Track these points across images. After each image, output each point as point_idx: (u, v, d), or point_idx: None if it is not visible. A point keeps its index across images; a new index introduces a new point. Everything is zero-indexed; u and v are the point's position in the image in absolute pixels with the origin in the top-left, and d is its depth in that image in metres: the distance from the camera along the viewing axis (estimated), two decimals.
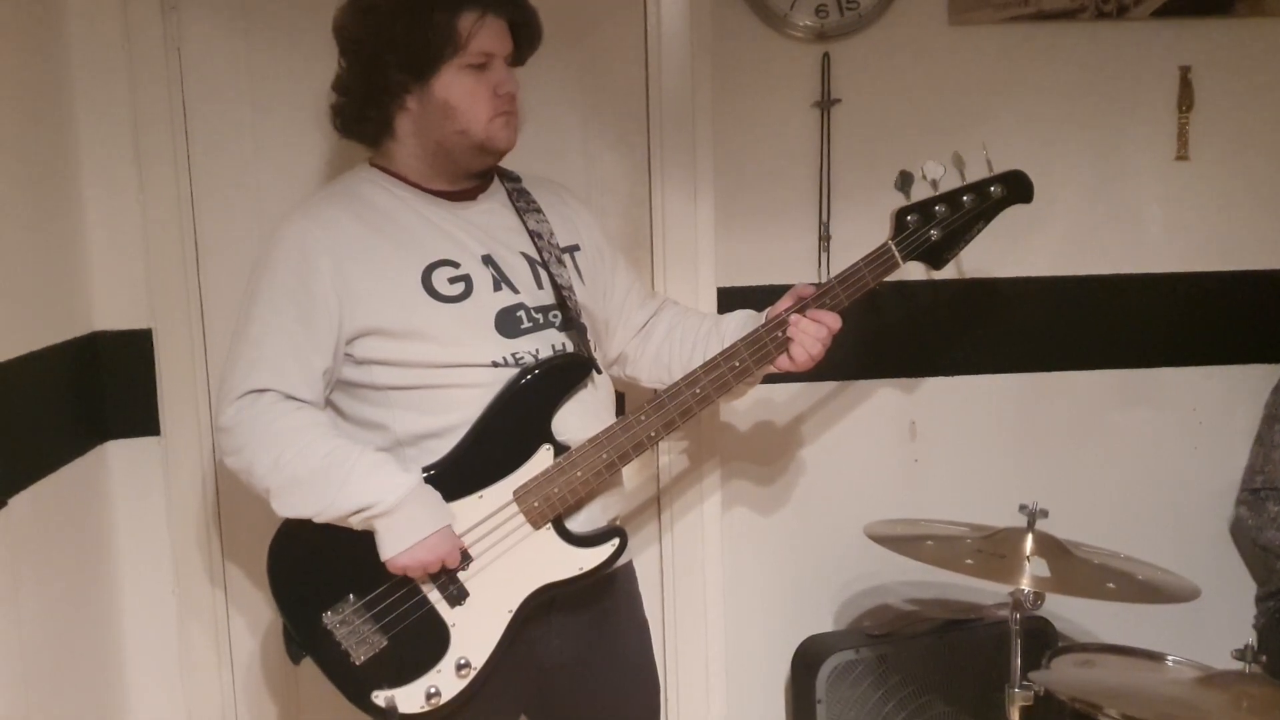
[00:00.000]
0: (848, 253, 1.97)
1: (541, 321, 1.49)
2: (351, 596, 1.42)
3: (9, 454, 1.51)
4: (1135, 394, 2.12)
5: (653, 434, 1.47)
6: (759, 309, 1.62)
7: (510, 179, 1.59)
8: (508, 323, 1.46)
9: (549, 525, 1.46)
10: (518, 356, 1.45)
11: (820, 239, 2.03)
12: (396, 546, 1.37)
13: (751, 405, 2.05)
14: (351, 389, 1.47)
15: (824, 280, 1.97)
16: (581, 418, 1.48)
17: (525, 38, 1.48)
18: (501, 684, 1.46)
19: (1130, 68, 2.05)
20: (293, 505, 1.38)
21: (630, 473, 1.56)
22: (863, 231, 1.95)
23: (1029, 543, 1.57)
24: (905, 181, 1.59)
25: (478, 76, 1.43)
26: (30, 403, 1.60)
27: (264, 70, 1.88)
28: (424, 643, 1.43)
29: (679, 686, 2.08)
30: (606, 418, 1.51)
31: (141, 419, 1.90)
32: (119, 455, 1.91)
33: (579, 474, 1.44)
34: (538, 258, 1.52)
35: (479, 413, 1.43)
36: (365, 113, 1.47)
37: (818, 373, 1.55)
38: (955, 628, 1.98)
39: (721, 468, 2.06)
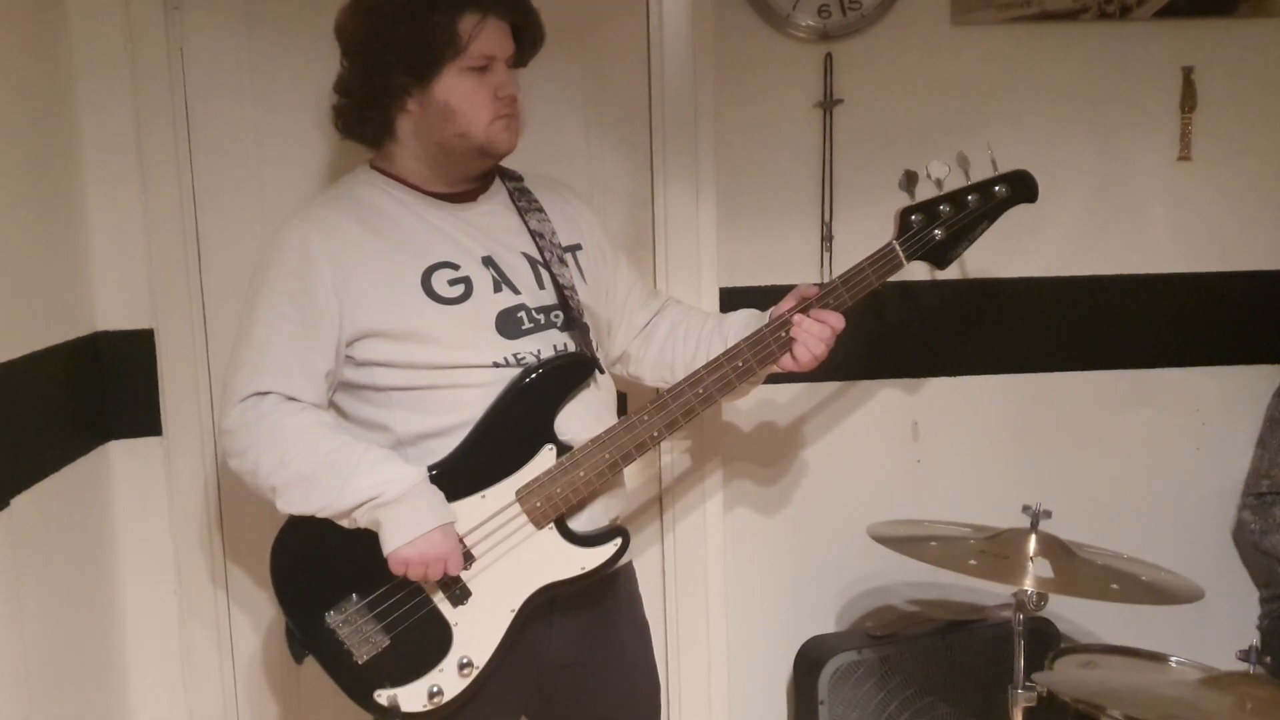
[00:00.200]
0: (850, 253, 1.97)
1: (543, 322, 1.49)
2: (354, 596, 1.42)
3: (11, 454, 1.51)
4: (1138, 395, 2.12)
5: (655, 434, 1.47)
6: (761, 309, 1.62)
7: (512, 178, 1.59)
8: (509, 324, 1.46)
9: (551, 525, 1.46)
10: (519, 357, 1.45)
11: (822, 239, 2.03)
12: (400, 538, 1.37)
13: (754, 405, 2.05)
14: (353, 390, 1.47)
15: (826, 280, 1.99)
16: (584, 418, 1.47)
17: (527, 40, 1.48)
18: (503, 683, 1.46)
19: (1133, 68, 2.05)
20: (298, 502, 1.38)
21: (632, 473, 1.56)
22: (865, 232, 1.96)
23: (1032, 543, 1.57)
24: (910, 181, 1.59)
25: (478, 79, 1.43)
26: (32, 403, 1.60)
27: (266, 70, 1.88)
28: (426, 642, 1.43)
29: (681, 687, 2.08)
30: (609, 418, 1.51)
31: (143, 419, 1.90)
32: (121, 455, 1.91)
33: (581, 474, 1.44)
34: (539, 258, 1.52)
35: (481, 413, 1.43)
36: (366, 114, 1.47)
37: (820, 373, 1.55)
38: (958, 629, 1.98)
39: (724, 468, 2.06)
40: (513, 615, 1.44)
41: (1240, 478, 2.14)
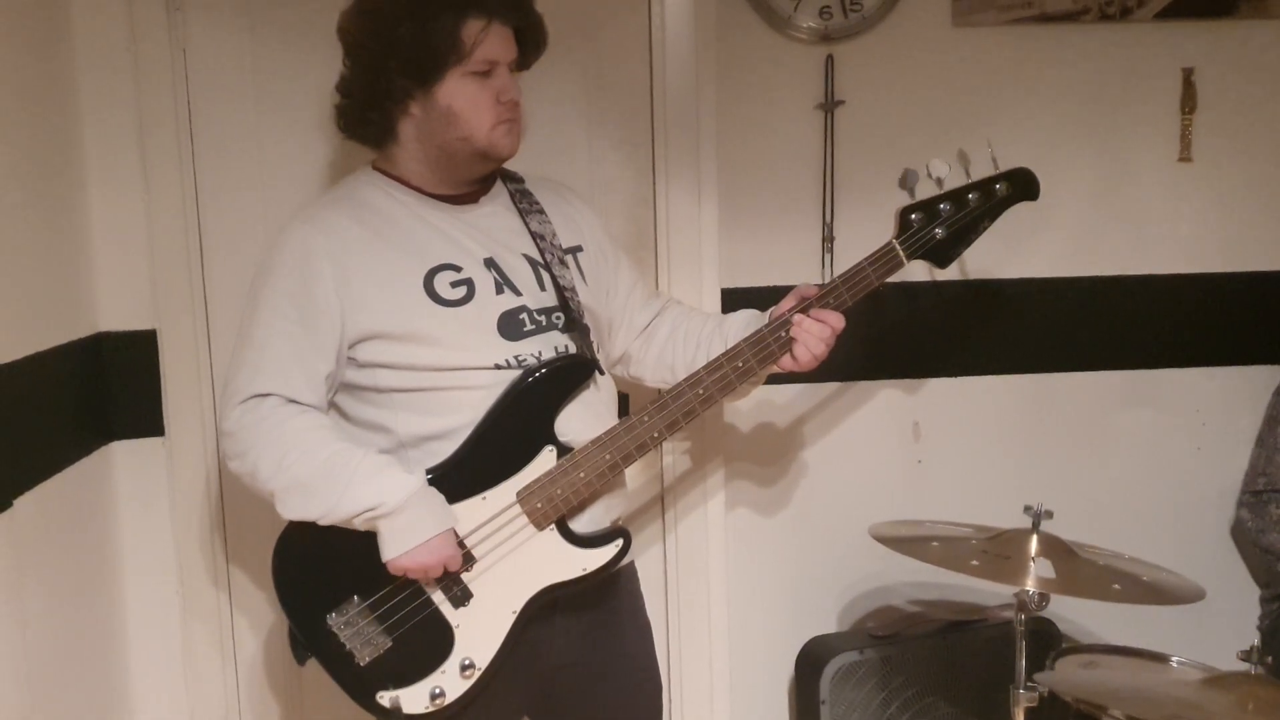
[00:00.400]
0: (851, 254, 1.96)
1: (544, 323, 1.49)
2: (356, 598, 1.42)
3: (14, 455, 1.51)
4: (1138, 395, 2.12)
5: (656, 434, 1.47)
6: (763, 309, 1.62)
7: (513, 180, 1.60)
8: (510, 325, 1.46)
9: (552, 526, 1.46)
10: (520, 359, 1.45)
11: (824, 240, 2.03)
12: (399, 548, 1.37)
13: (755, 406, 2.05)
14: (355, 391, 1.47)
15: (827, 281, 1.99)
16: (584, 419, 1.48)
17: (530, 44, 1.48)
18: (505, 685, 1.46)
19: (1133, 69, 2.05)
20: (297, 508, 1.39)
21: (633, 473, 1.56)
22: (866, 232, 1.95)
23: (1034, 544, 1.57)
24: (910, 180, 1.59)
25: (481, 83, 1.43)
26: (35, 404, 1.60)
27: (269, 70, 1.89)
28: (428, 644, 1.43)
29: (682, 687, 2.08)
30: (609, 418, 1.51)
31: (146, 420, 1.90)
32: (123, 456, 1.91)
33: (582, 475, 1.44)
34: (540, 259, 1.52)
35: (482, 414, 1.43)
36: (368, 116, 1.47)
37: (821, 373, 1.55)
38: (959, 629, 1.98)
39: (725, 468, 2.06)
40: (514, 617, 1.44)
41: (1240, 478, 2.14)
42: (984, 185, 1.55)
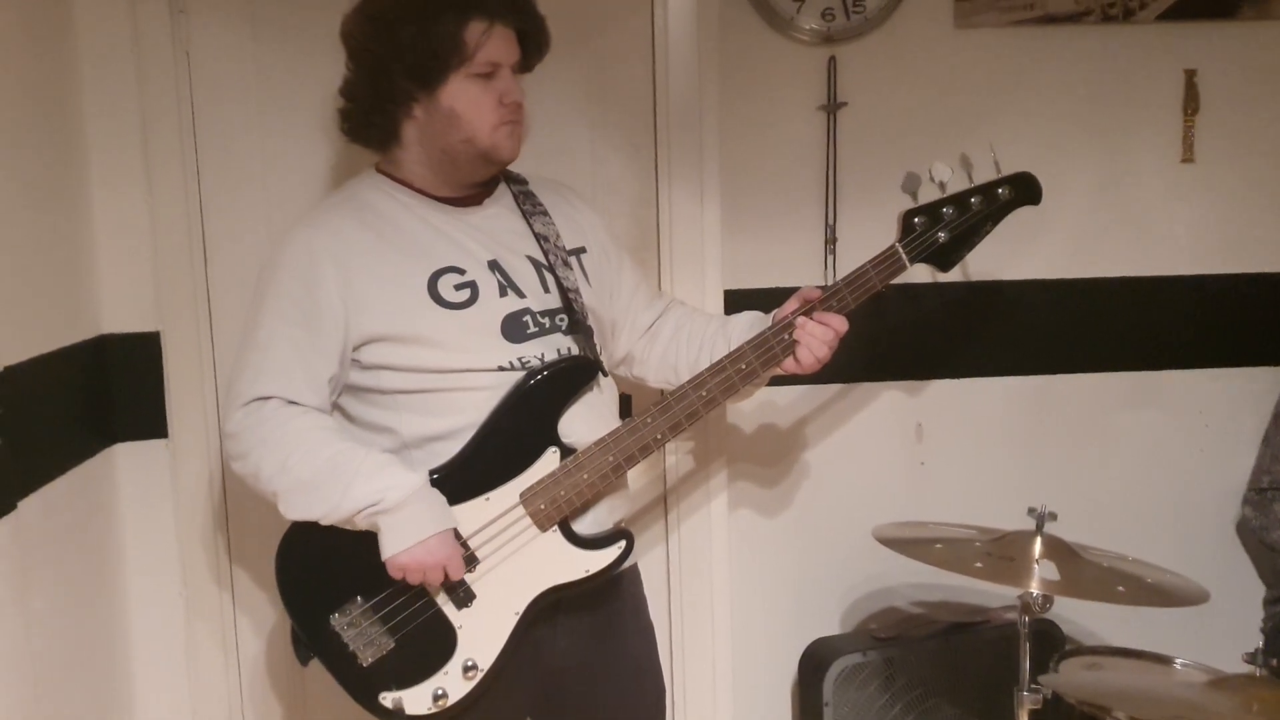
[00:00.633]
0: (853, 255, 1.97)
1: (548, 325, 1.49)
2: (359, 598, 1.43)
3: (18, 457, 1.51)
4: (1141, 397, 2.12)
5: (659, 436, 1.48)
6: (765, 311, 1.62)
7: (517, 182, 1.60)
8: (514, 328, 1.46)
9: (555, 528, 1.46)
10: (524, 361, 1.45)
11: (826, 241, 2.03)
12: (398, 545, 1.37)
13: (758, 407, 2.05)
14: (359, 393, 1.48)
15: (830, 282, 1.99)
16: (588, 420, 1.48)
17: (533, 46, 1.48)
18: (508, 686, 1.47)
19: (1136, 71, 2.05)
20: (300, 508, 1.39)
21: (636, 474, 1.57)
22: (868, 234, 1.96)
23: (1038, 546, 1.57)
24: (913, 183, 1.59)
25: (484, 85, 1.43)
26: (39, 406, 1.61)
27: (272, 73, 1.89)
28: (431, 645, 1.43)
29: (685, 689, 2.08)
30: (613, 420, 1.52)
31: (149, 422, 1.91)
32: (127, 458, 1.91)
33: (585, 476, 1.45)
34: (544, 261, 1.53)
35: (486, 416, 1.44)
36: (371, 119, 1.47)
37: (824, 375, 1.55)
38: (962, 630, 1.98)
39: (728, 469, 2.06)
40: (517, 618, 1.44)
41: (1244, 479, 2.13)
42: (987, 189, 1.55)
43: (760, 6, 1.96)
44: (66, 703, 1.65)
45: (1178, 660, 1.64)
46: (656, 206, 2.00)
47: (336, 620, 1.42)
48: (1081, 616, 2.10)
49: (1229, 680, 1.52)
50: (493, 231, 1.51)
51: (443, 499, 1.41)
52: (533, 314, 1.48)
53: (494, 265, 1.48)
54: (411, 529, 1.37)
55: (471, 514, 1.43)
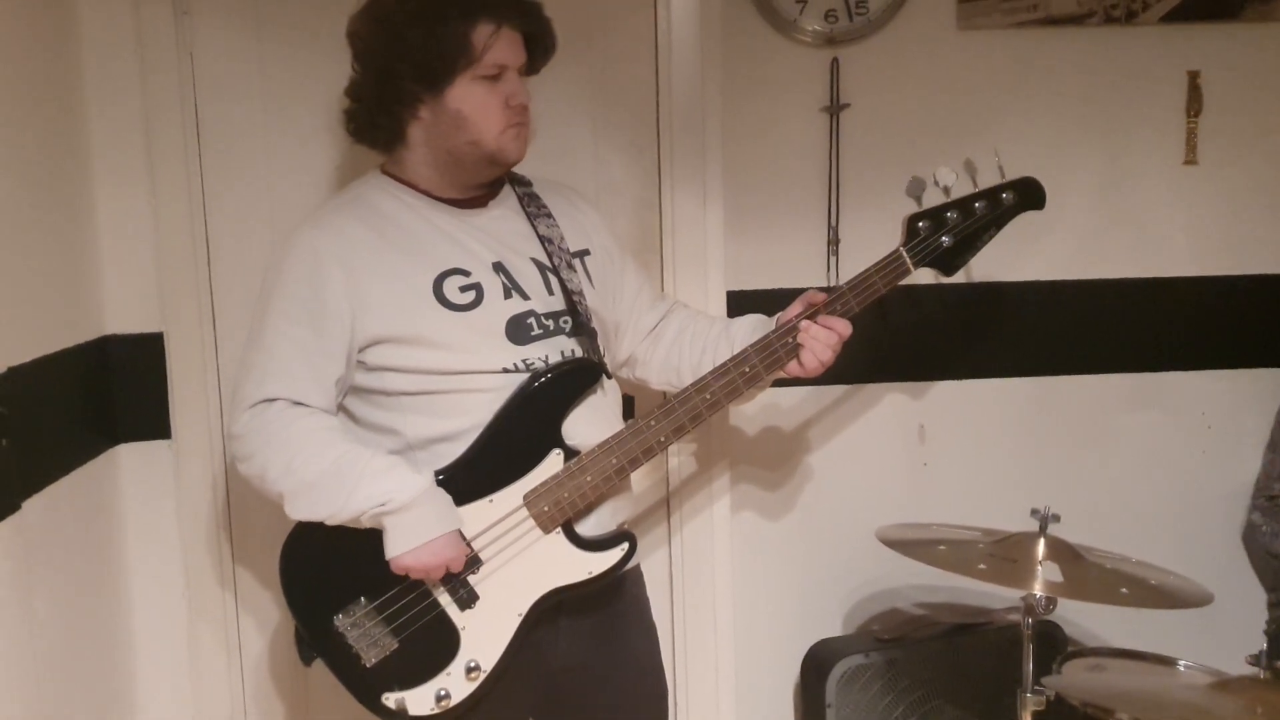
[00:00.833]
0: (856, 257, 1.98)
1: (552, 327, 1.49)
2: (363, 599, 1.43)
3: (22, 457, 1.52)
4: (1144, 398, 2.12)
5: (662, 439, 1.48)
6: (768, 312, 1.62)
7: (521, 184, 1.60)
8: (518, 329, 1.46)
9: (559, 529, 1.46)
10: (528, 362, 1.46)
11: (829, 243, 2.03)
12: (403, 546, 1.37)
13: (761, 409, 2.05)
14: (363, 394, 1.48)
15: (833, 285, 1.99)
16: (591, 422, 1.48)
17: (539, 49, 1.49)
18: (510, 687, 1.47)
19: (1139, 72, 2.05)
20: (306, 509, 1.39)
21: (639, 476, 1.57)
22: (871, 236, 1.96)
23: (1041, 547, 1.57)
24: (917, 188, 1.59)
25: (490, 87, 1.43)
26: (43, 406, 1.61)
27: (276, 74, 1.89)
28: (434, 645, 1.43)
29: (688, 690, 2.08)
30: (616, 422, 1.52)
31: (152, 422, 1.91)
32: (130, 458, 1.91)
33: (588, 478, 1.45)
34: (548, 263, 1.53)
35: (490, 418, 1.44)
36: (377, 120, 1.47)
37: (827, 377, 1.55)
38: (965, 632, 1.98)
39: (730, 471, 2.06)
40: (520, 619, 1.45)
41: (1247, 481, 2.14)
42: (990, 194, 1.56)
43: (763, 8, 1.96)
44: (69, 702, 1.66)
45: (1181, 662, 1.64)
46: (659, 208, 2.00)
47: (340, 621, 1.43)
48: (1084, 618, 2.10)
49: (1233, 682, 1.52)
50: (497, 233, 1.51)
51: (449, 500, 1.42)
52: (537, 316, 1.48)
53: (498, 267, 1.48)
54: (418, 530, 1.37)
55: (475, 515, 1.43)
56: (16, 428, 1.49)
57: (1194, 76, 2.06)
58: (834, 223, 2.03)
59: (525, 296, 1.48)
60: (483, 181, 1.52)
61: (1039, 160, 1.74)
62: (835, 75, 1.99)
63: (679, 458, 2.05)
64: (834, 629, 2.11)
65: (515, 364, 1.45)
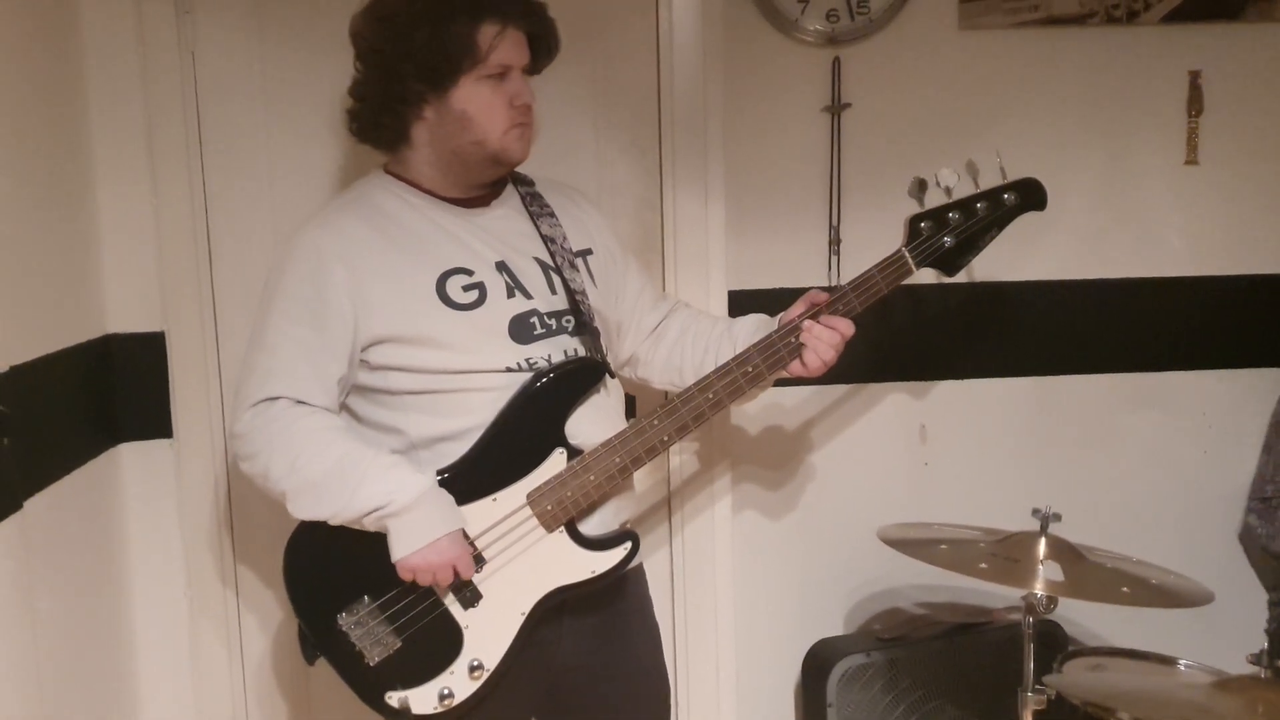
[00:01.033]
0: (857, 256, 1.98)
1: (555, 327, 1.49)
2: (366, 598, 1.43)
3: (24, 456, 1.52)
4: (1145, 398, 2.13)
5: (665, 438, 1.48)
6: (769, 312, 1.63)
7: (524, 183, 1.60)
8: (521, 328, 1.46)
9: (562, 528, 1.46)
10: (531, 362, 1.46)
11: (830, 243, 2.03)
12: (408, 547, 1.37)
13: (762, 409, 2.05)
14: (367, 393, 1.48)
15: (834, 284, 1.99)
16: (594, 421, 1.48)
17: (543, 49, 1.49)
18: (513, 686, 1.47)
19: (1140, 72, 2.05)
20: (309, 508, 1.39)
21: (641, 475, 1.57)
22: (872, 235, 1.96)
23: (1042, 546, 1.57)
24: (919, 188, 1.60)
25: (495, 87, 1.43)
26: (44, 405, 1.61)
27: (277, 73, 1.89)
28: (437, 644, 1.44)
29: (689, 689, 2.08)
30: (619, 421, 1.52)
31: (154, 421, 1.91)
32: (132, 457, 1.91)
33: (592, 477, 1.45)
34: (551, 263, 1.53)
35: (493, 417, 1.44)
36: (381, 119, 1.47)
37: (828, 376, 1.55)
38: (966, 631, 1.98)
39: (732, 471, 2.06)
40: (523, 618, 1.45)
41: (1247, 481, 2.14)
42: (992, 195, 1.56)
43: (765, 8, 1.96)
44: (71, 701, 1.66)
45: (1182, 661, 1.64)
46: (661, 207, 2.01)
47: (344, 619, 1.43)
48: (1085, 617, 2.10)
49: (1233, 681, 1.52)
50: (500, 233, 1.52)
51: (451, 499, 1.42)
52: (540, 315, 1.48)
53: (501, 266, 1.48)
54: (421, 531, 1.37)
55: (478, 514, 1.44)
56: (18, 427, 1.49)
57: (1195, 76, 2.06)
58: (835, 222, 2.03)
59: (528, 296, 1.48)
60: (486, 181, 1.52)
61: (1040, 160, 1.74)
62: (837, 75, 1.99)
63: (680, 457, 2.05)
64: (835, 628, 2.11)
65: (518, 363, 1.45)
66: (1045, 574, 1.52)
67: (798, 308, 1.55)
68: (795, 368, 1.52)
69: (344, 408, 1.49)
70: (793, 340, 1.51)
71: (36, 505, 1.54)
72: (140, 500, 1.92)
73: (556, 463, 1.45)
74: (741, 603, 2.09)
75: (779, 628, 2.10)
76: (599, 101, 1.97)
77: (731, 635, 2.08)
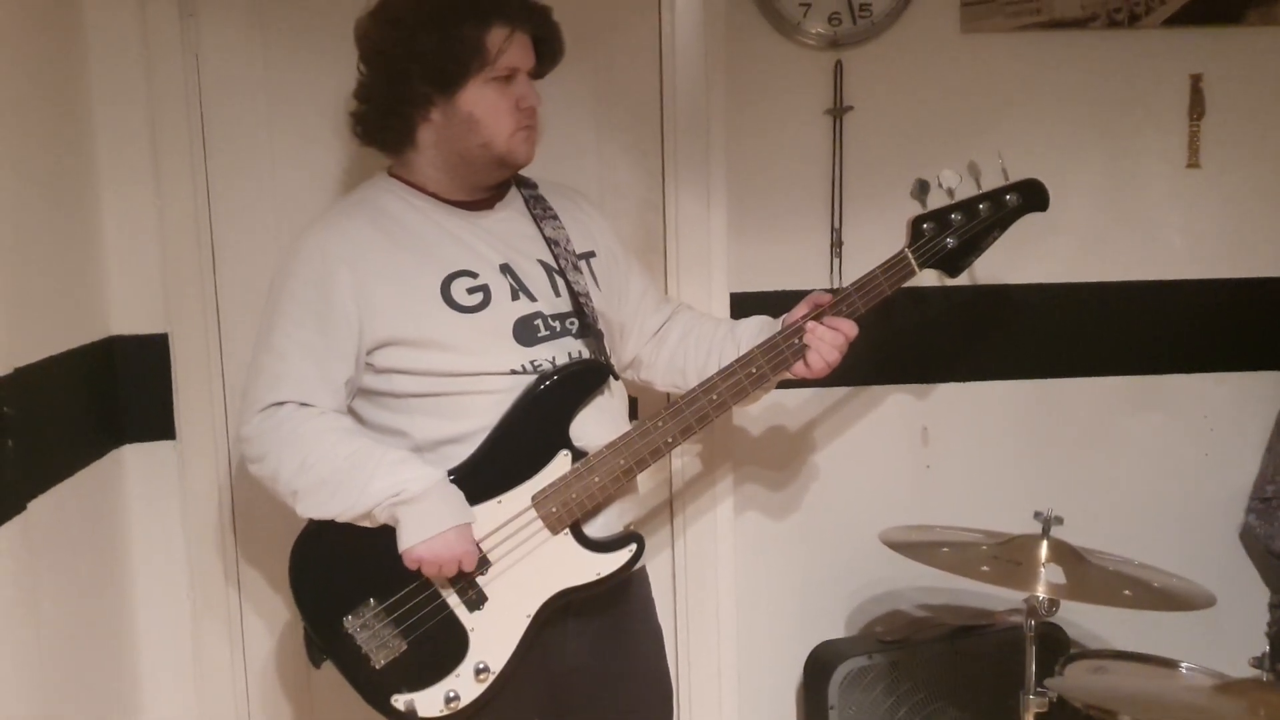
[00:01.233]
0: (859, 259, 1.98)
1: (559, 329, 1.50)
2: (372, 600, 1.43)
3: (28, 458, 1.52)
4: (1147, 400, 2.13)
5: (670, 440, 1.48)
6: (771, 314, 1.63)
7: (527, 186, 1.60)
8: (525, 331, 1.47)
9: (567, 530, 1.46)
10: (536, 364, 1.46)
11: (832, 245, 2.04)
12: (416, 536, 1.37)
13: (764, 410, 2.06)
14: (371, 396, 1.48)
15: (837, 286, 1.99)
16: (599, 423, 1.48)
17: (548, 53, 1.49)
18: (517, 688, 1.47)
19: (1142, 76, 2.06)
20: (319, 506, 1.39)
21: (643, 478, 1.57)
22: (874, 237, 1.96)
23: (1044, 549, 1.57)
24: (922, 189, 1.60)
25: (501, 90, 1.44)
26: (48, 407, 1.61)
27: (281, 76, 1.89)
28: (443, 647, 1.44)
29: (691, 692, 2.08)
30: (623, 423, 1.52)
31: (157, 423, 1.91)
32: (135, 459, 1.91)
33: (596, 479, 1.45)
34: (554, 265, 1.53)
35: (498, 419, 1.44)
36: (387, 122, 1.47)
37: (831, 378, 1.55)
38: (967, 634, 1.98)
39: (734, 473, 2.06)
40: (529, 620, 1.45)
41: (1249, 483, 2.14)
42: (995, 196, 1.56)
43: (767, 11, 1.97)
44: (74, 702, 1.66)
45: (1184, 664, 1.64)
46: (663, 209, 2.01)
47: (350, 622, 1.43)
48: (1087, 620, 2.10)
49: (1235, 685, 1.53)
50: (504, 235, 1.52)
51: (461, 494, 1.42)
52: (544, 317, 1.48)
53: (506, 269, 1.49)
54: (430, 521, 1.38)
55: (484, 516, 1.44)
56: (21, 428, 1.49)
57: (1196, 80, 2.06)
58: (837, 224, 2.03)
59: (532, 298, 1.48)
60: (491, 184, 1.53)
61: (1042, 163, 1.74)
62: (839, 78, 2.00)
63: (683, 459, 2.05)
64: (837, 630, 2.12)
65: (523, 365, 1.45)
66: (1047, 576, 1.52)
67: (801, 309, 1.55)
68: (799, 369, 1.52)
69: (349, 411, 1.49)
70: (796, 341, 1.51)
71: (40, 506, 1.54)
72: (143, 502, 1.92)
73: (561, 465, 1.45)
74: (743, 605, 2.09)
75: (781, 630, 2.11)
76: (601, 103, 1.98)
77: (734, 637, 2.08)
